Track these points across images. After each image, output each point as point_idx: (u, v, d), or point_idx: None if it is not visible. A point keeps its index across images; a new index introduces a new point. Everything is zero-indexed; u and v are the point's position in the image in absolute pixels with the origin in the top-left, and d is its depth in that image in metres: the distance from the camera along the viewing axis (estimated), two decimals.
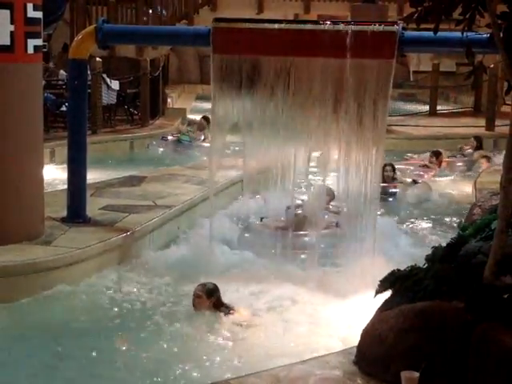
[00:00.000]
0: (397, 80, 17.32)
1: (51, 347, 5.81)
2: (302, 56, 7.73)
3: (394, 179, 11.11)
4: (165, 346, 5.93)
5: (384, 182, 10.46)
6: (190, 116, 20.59)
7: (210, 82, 8.05)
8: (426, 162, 12.94)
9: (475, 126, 17.35)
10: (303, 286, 7.10)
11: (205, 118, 14.83)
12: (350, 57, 7.44)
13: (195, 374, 5.43)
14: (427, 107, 20.77)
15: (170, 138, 14.90)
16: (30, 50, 7.30)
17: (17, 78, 7.32)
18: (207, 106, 23.06)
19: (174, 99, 22.58)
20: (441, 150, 13.44)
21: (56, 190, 9.66)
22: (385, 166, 10.64)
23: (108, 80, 15.30)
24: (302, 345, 5.87)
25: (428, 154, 13.26)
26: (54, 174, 11.46)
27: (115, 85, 15.58)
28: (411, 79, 26.55)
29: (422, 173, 12.40)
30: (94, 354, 5.74)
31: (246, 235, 8.53)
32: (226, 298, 6.59)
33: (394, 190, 10.95)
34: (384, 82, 7.62)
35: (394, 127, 16.08)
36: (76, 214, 8.19)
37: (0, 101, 7.22)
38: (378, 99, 7.72)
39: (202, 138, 14.67)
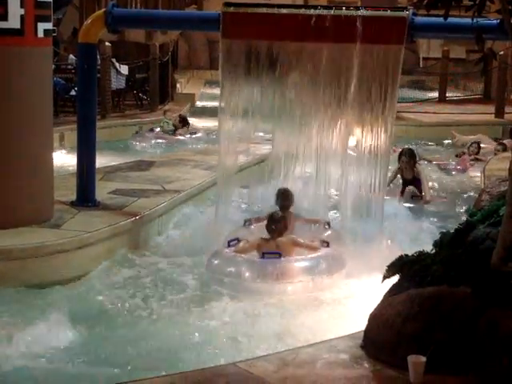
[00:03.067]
0: (406, 66, 17.30)
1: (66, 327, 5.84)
2: (311, 41, 7.71)
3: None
4: (178, 329, 5.95)
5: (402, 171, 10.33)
6: (199, 102, 20.66)
7: (219, 67, 8.05)
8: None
9: (484, 112, 17.31)
10: None
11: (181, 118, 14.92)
12: (359, 42, 7.42)
13: (208, 351, 5.50)
14: (437, 94, 20.73)
15: (157, 130, 14.71)
16: (40, 34, 7.31)
17: (26, 62, 7.33)
18: (216, 91, 23.15)
19: (183, 84, 22.63)
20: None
21: (65, 174, 9.69)
22: (401, 154, 10.50)
23: (117, 65, 15.33)
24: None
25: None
26: (64, 158, 11.51)
27: (124, 69, 15.61)
28: (421, 66, 26.47)
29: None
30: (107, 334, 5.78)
31: (215, 262, 7.05)
32: None
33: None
34: (393, 67, 7.61)
35: (403, 114, 16.06)
36: (85, 197, 8.23)
37: (9, 85, 7.23)
38: (387, 85, 7.71)
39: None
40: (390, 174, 10.30)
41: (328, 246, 7.16)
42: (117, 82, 15.32)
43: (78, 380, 5.07)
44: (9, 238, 6.96)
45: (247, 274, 6.76)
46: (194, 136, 14.55)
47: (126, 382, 4.32)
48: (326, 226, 7.72)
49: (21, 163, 7.31)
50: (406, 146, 11.70)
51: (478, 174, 11.68)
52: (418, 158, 10.79)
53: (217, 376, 4.44)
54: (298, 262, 6.97)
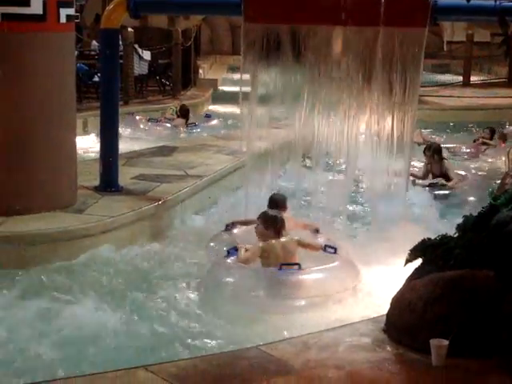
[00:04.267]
0: (430, 50, 17.19)
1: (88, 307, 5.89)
2: (335, 24, 7.67)
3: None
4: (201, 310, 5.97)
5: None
6: (222, 88, 20.62)
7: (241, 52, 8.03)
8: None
9: (509, 96, 17.16)
10: None
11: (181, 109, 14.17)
12: (382, 25, 7.37)
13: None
14: (461, 78, 20.57)
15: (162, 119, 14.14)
16: (63, 20, 7.33)
17: (49, 48, 7.36)
18: (239, 76, 23.16)
19: (206, 70, 22.60)
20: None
21: (88, 160, 9.74)
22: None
23: (140, 50, 15.35)
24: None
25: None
26: (87, 144, 11.57)
27: (147, 55, 15.63)
28: (445, 49, 26.26)
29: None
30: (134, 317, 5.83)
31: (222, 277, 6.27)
32: None
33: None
34: (417, 51, 7.55)
35: (427, 98, 15.95)
36: (108, 183, 8.26)
37: (32, 70, 7.26)
38: (411, 69, 7.66)
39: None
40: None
41: (335, 251, 6.44)
42: (139, 68, 15.34)
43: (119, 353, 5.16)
44: (33, 223, 7.01)
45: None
46: (193, 130, 13.65)
47: (151, 365, 4.35)
48: (316, 233, 7.04)
49: (45, 149, 7.35)
50: (432, 139, 11.66)
51: (490, 160, 11.63)
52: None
53: (239, 359, 4.48)
54: (319, 273, 6.24)
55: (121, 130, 12.50)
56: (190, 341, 5.35)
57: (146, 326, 5.61)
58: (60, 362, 4.96)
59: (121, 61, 12.26)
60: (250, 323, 5.68)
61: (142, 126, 13.47)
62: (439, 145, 10.74)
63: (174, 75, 16.33)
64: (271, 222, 6.39)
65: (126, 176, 8.75)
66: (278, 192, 7.60)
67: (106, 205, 7.73)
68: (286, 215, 6.79)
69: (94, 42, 15.35)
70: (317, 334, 4.85)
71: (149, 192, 8.28)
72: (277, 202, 7.05)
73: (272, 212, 6.58)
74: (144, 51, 15.50)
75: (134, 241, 7.48)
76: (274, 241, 6.31)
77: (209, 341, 5.37)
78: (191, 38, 17.92)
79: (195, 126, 13.67)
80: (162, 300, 6.18)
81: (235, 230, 7.10)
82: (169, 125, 13.51)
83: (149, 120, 13.44)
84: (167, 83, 16.78)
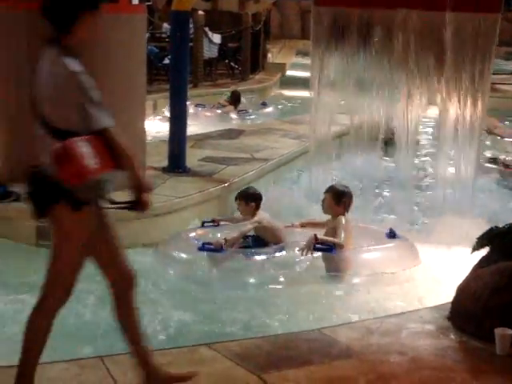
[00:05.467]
0: (504, 38, 16.80)
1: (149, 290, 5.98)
2: (403, 7, 7.59)
3: None
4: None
5: None
6: (290, 72, 20.58)
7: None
8: None
9: None
10: None
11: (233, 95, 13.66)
12: (452, 10, 7.26)
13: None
14: None
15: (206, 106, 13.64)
16: (135, 1, 7.42)
17: (120, 29, 7.44)
18: (307, 61, 23.09)
19: (275, 54, 22.58)
20: None
21: (157, 141, 9.86)
22: None
23: (210, 33, 15.42)
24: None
25: None
26: (156, 126, 11.71)
27: (217, 38, 15.70)
28: None
29: None
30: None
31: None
32: None
33: None
34: (489, 37, 7.42)
35: (499, 86, 15.65)
36: (176, 164, 8.36)
37: (103, 51, 7.34)
38: (482, 55, 7.55)
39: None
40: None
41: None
42: (209, 51, 15.42)
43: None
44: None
45: None
46: (245, 117, 13.12)
47: (214, 343, 4.42)
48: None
49: (115, 129, 7.45)
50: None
51: None
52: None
53: (301, 340, 4.50)
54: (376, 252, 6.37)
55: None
56: (252, 322, 5.40)
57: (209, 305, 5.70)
58: None
59: (191, 44, 12.32)
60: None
61: (191, 111, 13.37)
62: None
63: (243, 59, 16.37)
64: (343, 197, 6.33)
65: (193, 158, 8.84)
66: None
67: (173, 185, 7.83)
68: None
69: (166, 25, 15.46)
70: (379, 319, 4.85)
71: (215, 174, 8.36)
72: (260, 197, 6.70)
73: (342, 187, 6.53)
74: (214, 34, 15.57)
75: (199, 222, 7.55)
76: (343, 217, 6.25)
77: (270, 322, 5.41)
78: (261, 21, 17.92)
79: (246, 112, 13.22)
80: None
81: (210, 227, 6.82)
82: (219, 111, 13.25)
83: (196, 106, 13.27)
84: (236, 67, 16.83)
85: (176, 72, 8.44)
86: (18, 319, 5.23)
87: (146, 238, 7.00)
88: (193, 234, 6.68)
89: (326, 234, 6.27)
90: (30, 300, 5.57)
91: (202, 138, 10.19)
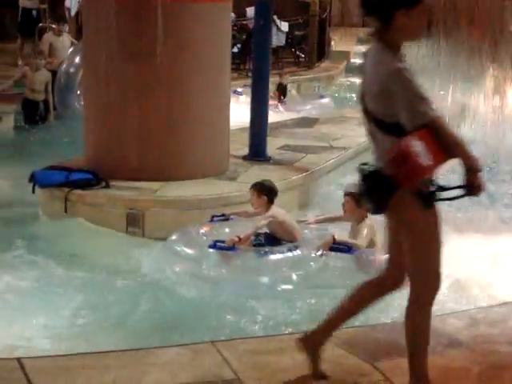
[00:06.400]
0: None
1: None
2: None
3: None
4: None
5: None
6: (353, 59, 20.46)
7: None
8: None
9: None
10: None
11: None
12: None
13: None
14: None
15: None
16: None
17: (205, 18, 7.50)
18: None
19: (336, 42, 22.47)
20: None
21: (236, 129, 9.90)
22: None
23: (278, 21, 15.39)
24: None
25: None
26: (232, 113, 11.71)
27: (284, 26, 15.67)
28: None
29: None
30: None
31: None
32: None
33: None
34: None
35: None
36: (257, 152, 8.41)
37: (188, 39, 7.41)
38: None
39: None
40: None
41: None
42: (277, 39, 15.38)
43: None
44: (189, 189, 7.23)
45: None
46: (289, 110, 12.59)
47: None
48: None
49: (201, 118, 7.54)
50: None
51: None
52: None
53: None
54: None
55: None
56: None
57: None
58: None
59: None
60: None
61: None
62: None
63: (310, 47, 16.33)
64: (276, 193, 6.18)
65: (271, 146, 8.88)
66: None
67: (255, 173, 7.88)
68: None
69: (249, 11, 15.14)
70: (484, 308, 4.83)
71: (296, 162, 8.39)
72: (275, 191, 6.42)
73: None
74: (282, 22, 15.55)
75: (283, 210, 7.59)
76: (368, 221, 5.95)
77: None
78: (327, 9, 17.84)
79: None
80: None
81: (218, 222, 6.53)
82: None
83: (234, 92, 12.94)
84: (301, 55, 16.80)
85: (258, 61, 8.50)
86: (115, 302, 5.40)
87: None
88: (202, 230, 6.29)
89: (349, 238, 6.08)
90: (119, 283, 5.76)
91: (277, 127, 10.20)
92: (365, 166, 3.49)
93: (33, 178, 7.21)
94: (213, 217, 6.49)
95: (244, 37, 15.13)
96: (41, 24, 14.60)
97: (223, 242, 5.85)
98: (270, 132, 9.67)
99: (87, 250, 6.40)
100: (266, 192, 6.26)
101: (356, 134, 9.85)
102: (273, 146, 8.98)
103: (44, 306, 5.31)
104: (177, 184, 7.28)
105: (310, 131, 10.05)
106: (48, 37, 12.99)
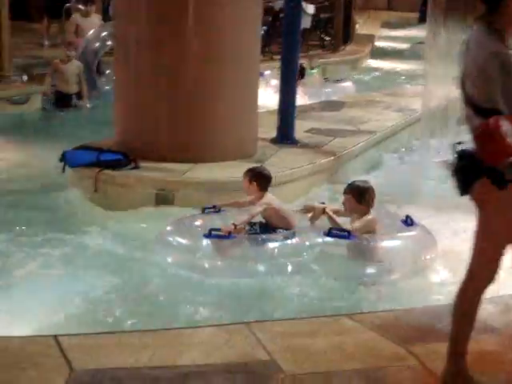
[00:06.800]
0: None
1: None
2: None
3: None
4: None
5: None
6: (378, 43, 20.35)
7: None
8: None
9: None
10: None
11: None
12: None
13: None
14: None
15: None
16: None
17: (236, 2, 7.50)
18: (395, 33, 22.80)
19: (360, 25, 22.36)
20: None
21: (263, 112, 9.89)
22: None
23: (304, 4, 15.29)
24: None
25: None
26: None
27: (310, 9, 15.61)
28: None
29: None
30: None
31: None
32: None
33: None
34: None
35: None
36: (285, 135, 8.40)
37: (220, 19, 7.41)
38: None
39: None
40: None
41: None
42: (303, 22, 15.28)
43: None
44: (216, 171, 7.24)
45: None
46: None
47: (354, 314, 4.46)
48: None
49: (231, 100, 7.54)
50: None
51: None
52: None
53: (440, 314, 4.49)
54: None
55: None
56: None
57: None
58: None
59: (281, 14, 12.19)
60: None
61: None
62: None
63: (336, 30, 16.29)
64: (365, 194, 5.84)
65: (299, 129, 8.86)
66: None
67: (284, 157, 7.89)
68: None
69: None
70: None
71: (323, 146, 8.38)
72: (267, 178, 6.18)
73: (363, 183, 6.02)
74: (308, 5, 15.48)
75: (310, 193, 7.58)
76: (370, 216, 5.81)
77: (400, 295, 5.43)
78: None
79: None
80: None
81: (214, 214, 6.22)
82: None
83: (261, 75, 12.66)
84: (327, 38, 16.74)
85: (288, 44, 8.45)
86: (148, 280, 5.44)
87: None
88: (195, 221, 6.11)
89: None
90: (154, 261, 5.79)
91: (304, 110, 10.18)
92: (459, 145, 3.45)
93: (63, 158, 7.25)
94: (204, 209, 6.24)
95: (270, 19, 15.09)
96: (68, 4, 14.63)
97: (218, 230, 5.66)
98: (297, 114, 9.69)
99: (119, 229, 6.43)
100: (256, 178, 6.05)
101: (383, 118, 9.85)
102: (301, 128, 8.96)
103: (77, 284, 5.36)
104: (206, 166, 7.29)
105: (337, 115, 10.03)
106: (75, 18, 13.03)
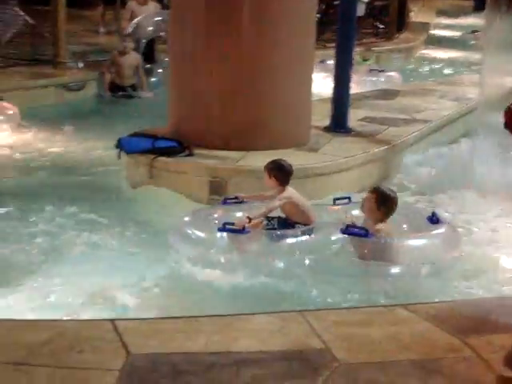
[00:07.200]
0: None
1: None
2: None
3: None
4: None
5: None
6: (433, 31, 20.12)
7: None
8: None
9: None
10: None
11: None
12: None
13: None
14: None
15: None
16: None
17: None
18: (449, 22, 22.53)
19: (415, 13, 22.13)
20: None
21: (316, 100, 9.86)
22: None
23: None
24: None
25: None
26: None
27: None
28: None
29: None
30: None
31: None
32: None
33: None
34: None
35: None
36: (339, 123, 8.37)
37: (275, 7, 7.39)
38: None
39: None
40: None
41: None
42: (358, 10, 15.18)
43: None
44: (270, 159, 7.23)
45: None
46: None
47: (409, 304, 4.43)
48: None
49: (286, 88, 7.53)
50: None
51: None
52: None
53: (495, 306, 4.46)
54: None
55: None
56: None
57: None
58: None
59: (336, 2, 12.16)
60: None
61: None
62: None
63: (391, 17, 16.14)
64: (387, 202, 5.53)
65: (352, 118, 8.81)
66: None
67: (337, 145, 7.86)
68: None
69: None
70: None
71: (378, 134, 8.33)
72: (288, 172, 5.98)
73: (391, 191, 5.66)
74: None
75: (364, 182, 7.55)
76: (382, 225, 5.47)
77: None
78: None
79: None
80: None
81: (231, 205, 6.04)
82: None
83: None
84: (380, 26, 16.60)
85: (343, 32, 8.39)
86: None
87: (313, 198, 7.07)
88: (214, 213, 5.91)
89: None
90: None
91: (358, 98, 10.13)
92: None
93: (119, 144, 7.33)
94: (225, 199, 6.08)
95: (323, 6, 15.02)
96: None
97: (233, 224, 5.42)
98: (351, 103, 9.63)
99: (172, 216, 6.48)
100: (276, 172, 5.87)
101: (438, 107, 9.75)
102: (354, 117, 8.92)
103: (133, 270, 5.43)
104: (259, 154, 7.28)
105: (392, 103, 9.96)
106: (130, 5, 13.13)
